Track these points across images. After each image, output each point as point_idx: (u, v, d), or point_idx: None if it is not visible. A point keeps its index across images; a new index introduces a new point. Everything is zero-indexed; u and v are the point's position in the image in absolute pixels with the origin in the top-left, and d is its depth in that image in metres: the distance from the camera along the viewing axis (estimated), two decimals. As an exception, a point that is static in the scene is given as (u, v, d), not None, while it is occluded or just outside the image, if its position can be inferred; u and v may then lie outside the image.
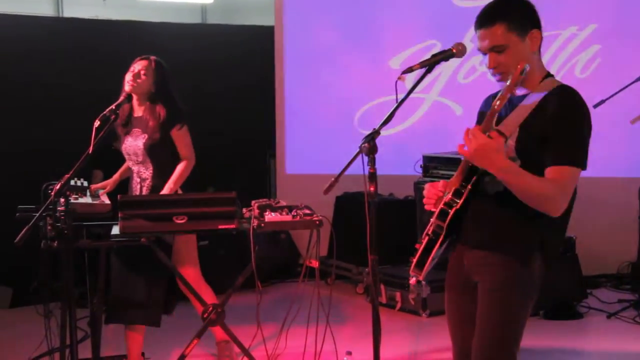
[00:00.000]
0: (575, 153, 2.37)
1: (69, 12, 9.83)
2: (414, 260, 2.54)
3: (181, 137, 4.10)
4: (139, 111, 4.14)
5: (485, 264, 2.50)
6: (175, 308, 4.00)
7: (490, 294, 2.49)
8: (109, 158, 5.84)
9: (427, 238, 2.52)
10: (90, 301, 4.01)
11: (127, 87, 4.06)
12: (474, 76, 6.41)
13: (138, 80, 4.05)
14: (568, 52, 6.28)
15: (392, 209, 6.19)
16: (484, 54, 2.49)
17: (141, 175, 4.12)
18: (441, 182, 2.61)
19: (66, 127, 6.08)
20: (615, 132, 5.98)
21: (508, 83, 2.32)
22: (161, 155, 4.08)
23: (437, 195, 2.57)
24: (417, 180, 6.01)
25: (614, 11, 6.22)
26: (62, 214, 3.45)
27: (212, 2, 10.82)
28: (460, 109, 6.50)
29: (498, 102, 2.32)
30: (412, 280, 2.62)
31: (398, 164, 6.03)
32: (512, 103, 2.50)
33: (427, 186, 2.62)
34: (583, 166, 2.38)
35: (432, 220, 2.53)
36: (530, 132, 2.40)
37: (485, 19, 2.46)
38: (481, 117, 2.70)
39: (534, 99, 2.43)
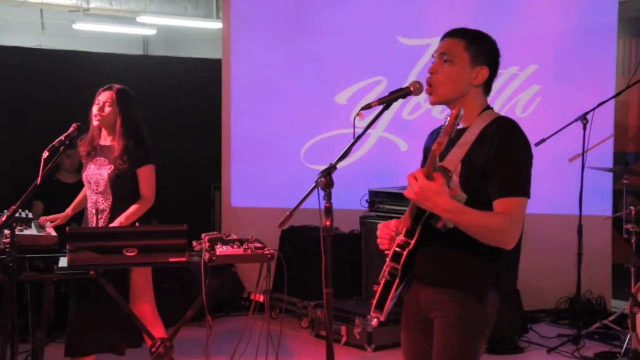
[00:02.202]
0: (521, 183, 2.41)
1: (6, 41, 9.66)
2: (374, 302, 2.52)
3: (146, 176, 4.04)
4: (106, 140, 4.08)
5: (441, 301, 2.50)
6: (143, 341, 3.97)
7: (446, 329, 2.49)
8: (50, 189, 5.75)
9: (384, 280, 2.51)
10: (32, 335, 3.89)
11: (94, 122, 4.01)
12: (418, 112, 6.50)
13: (102, 114, 4.01)
14: (509, 92, 6.44)
15: (337, 243, 6.18)
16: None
17: (98, 206, 4.03)
18: (393, 221, 2.61)
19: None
20: (555, 170, 6.14)
21: (444, 127, 2.29)
22: (123, 188, 4.01)
23: (389, 235, 2.57)
24: (363, 215, 6.06)
25: (554, 53, 6.41)
26: (7, 246, 3.37)
27: (154, 34, 10.79)
28: (405, 144, 6.59)
29: (436, 146, 2.28)
30: (374, 322, 2.62)
31: (344, 198, 6.01)
32: (452, 137, 2.54)
33: (380, 226, 2.62)
34: (529, 195, 2.41)
35: (387, 262, 2.53)
36: (471, 166, 2.43)
37: (453, 31, 2.57)
38: (427, 152, 2.72)
39: (473, 132, 2.47)
